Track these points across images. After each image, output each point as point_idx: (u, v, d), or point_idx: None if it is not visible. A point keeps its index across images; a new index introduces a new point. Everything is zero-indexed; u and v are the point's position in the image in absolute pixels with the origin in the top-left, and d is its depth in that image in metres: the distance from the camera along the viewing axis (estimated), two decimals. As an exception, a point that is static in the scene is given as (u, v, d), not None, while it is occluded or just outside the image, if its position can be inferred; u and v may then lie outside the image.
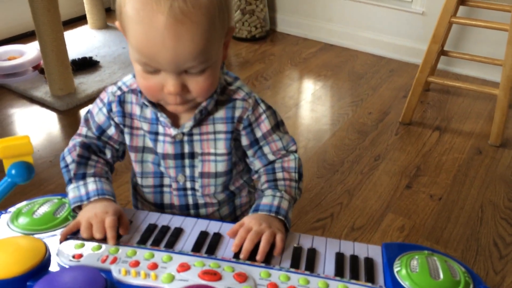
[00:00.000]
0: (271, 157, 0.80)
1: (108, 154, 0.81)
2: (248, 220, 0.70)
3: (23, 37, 2.77)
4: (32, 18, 1.97)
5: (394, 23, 2.66)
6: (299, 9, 2.93)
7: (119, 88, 0.78)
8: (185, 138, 0.76)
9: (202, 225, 0.73)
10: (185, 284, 0.58)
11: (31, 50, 2.37)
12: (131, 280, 0.59)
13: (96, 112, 0.80)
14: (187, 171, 0.79)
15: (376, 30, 2.73)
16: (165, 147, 0.77)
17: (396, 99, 2.30)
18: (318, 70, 2.57)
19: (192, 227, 0.72)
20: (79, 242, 0.66)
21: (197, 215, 0.83)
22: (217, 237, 0.70)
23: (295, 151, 0.82)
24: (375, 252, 0.69)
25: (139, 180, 0.83)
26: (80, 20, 3.04)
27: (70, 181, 0.76)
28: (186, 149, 0.77)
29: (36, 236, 0.67)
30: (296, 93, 2.36)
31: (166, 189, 0.83)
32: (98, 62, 2.46)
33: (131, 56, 0.67)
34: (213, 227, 0.73)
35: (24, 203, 0.75)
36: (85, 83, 2.28)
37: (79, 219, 0.69)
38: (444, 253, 0.67)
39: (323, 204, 1.61)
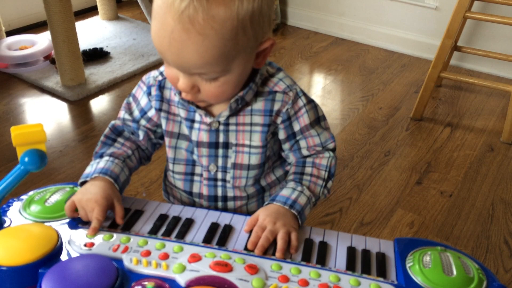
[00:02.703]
0: (305, 152, 0.80)
1: (141, 135, 0.82)
2: (263, 217, 0.70)
3: (35, 27, 2.78)
4: (44, 8, 1.98)
5: (406, 17, 2.63)
6: (311, 3, 2.90)
7: (161, 73, 0.78)
8: (221, 127, 0.76)
9: (213, 216, 0.73)
10: (196, 274, 0.58)
11: (42, 40, 2.38)
12: (142, 269, 0.59)
13: (140, 95, 0.81)
14: (220, 161, 0.79)
15: (388, 24, 2.70)
16: (200, 134, 0.77)
17: (408, 94, 2.28)
18: (328, 64, 2.56)
19: (203, 218, 0.72)
20: (90, 230, 0.66)
21: (225, 209, 0.83)
22: (228, 228, 0.70)
23: (332, 149, 0.81)
24: (387, 247, 0.68)
25: (170, 166, 0.83)
26: (91, 11, 3.04)
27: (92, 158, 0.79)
28: (221, 138, 0.77)
29: (48, 224, 0.67)
30: (306, 87, 2.34)
31: (196, 177, 0.82)
32: (109, 53, 2.46)
33: None
34: (224, 218, 0.73)
35: (36, 191, 0.75)
36: (96, 73, 2.29)
37: (73, 199, 0.70)
38: (457, 249, 0.67)
39: (332, 199, 1.60)
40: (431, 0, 2.51)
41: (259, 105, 0.75)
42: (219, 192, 0.82)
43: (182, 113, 0.77)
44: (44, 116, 2.01)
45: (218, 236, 0.68)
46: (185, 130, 0.79)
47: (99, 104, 2.12)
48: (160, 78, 0.78)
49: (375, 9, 2.71)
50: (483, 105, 2.21)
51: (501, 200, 1.63)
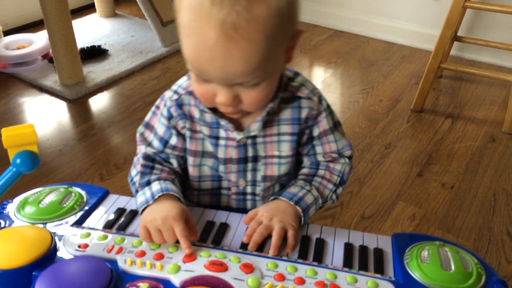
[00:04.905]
0: (320, 158, 0.77)
1: (174, 163, 0.77)
2: (261, 212, 0.69)
3: (32, 26, 2.77)
4: (40, 7, 1.96)
5: (406, 8, 2.60)
6: (309, -5, 2.88)
7: (175, 92, 0.74)
8: (249, 141, 0.73)
9: (208, 215, 0.72)
10: (191, 275, 0.58)
11: (40, 39, 2.37)
12: (137, 270, 0.59)
13: (157, 123, 0.76)
14: (249, 175, 0.76)
15: (387, 16, 2.68)
16: (227, 151, 0.74)
17: (408, 86, 2.26)
18: (328, 57, 2.54)
19: (199, 217, 0.72)
20: (85, 231, 0.65)
21: None
22: (224, 227, 0.70)
23: (349, 157, 0.79)
24: (385, 243, 0.67)
25: (195, 185, 0.79)
26: (88, 8, 3.02)
27: (136, 191, 0.73)
28: (250, 152, 0.74)
29: (42, 225, 0.67)
30: (306, 80, 2.33)
31: (224, 191, 0.79)
32: (107, 50, 2.45)
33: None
34: (219, 217, 0.72)
35: (30, 192, 0.75)
36: (94, 71, 2.28)
37: (144, 224, 0.64)
38: (456, 244, 0.66)
39: (333, 193, 1.59)
40: (431, -10, 2.49)
41: (286, 113, 0.72)
42: (248, 205, 0.80)
43: (205, 130, 0.73)
44: (43, 115, 2.00)
45: (214, 235, 0.68)
46: (209, 148, 0.75)
47: (98, 102, 2.11)
48: (175, 97, 0.73)
49: (374, 1, 2.68)
50: (484, 96, 2.19)
51: (503, 191, 1.61)
